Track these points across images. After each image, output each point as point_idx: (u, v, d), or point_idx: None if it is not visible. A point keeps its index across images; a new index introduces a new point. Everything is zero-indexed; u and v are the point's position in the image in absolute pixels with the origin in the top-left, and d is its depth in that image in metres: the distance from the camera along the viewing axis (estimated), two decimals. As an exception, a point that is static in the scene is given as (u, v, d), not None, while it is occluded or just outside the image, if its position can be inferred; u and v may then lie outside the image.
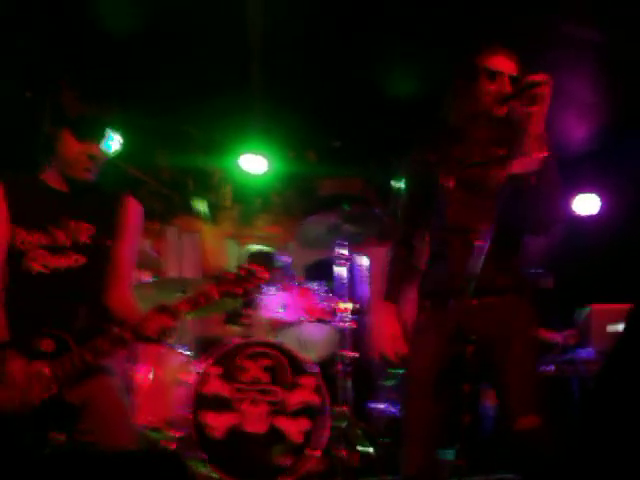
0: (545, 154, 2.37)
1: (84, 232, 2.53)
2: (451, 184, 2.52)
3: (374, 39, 4.57)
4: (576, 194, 6.01)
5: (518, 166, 2.36)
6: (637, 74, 4.70)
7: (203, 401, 3.84)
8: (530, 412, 2.42)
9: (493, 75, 2.50)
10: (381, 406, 4.58)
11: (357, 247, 4.82)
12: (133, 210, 2.66)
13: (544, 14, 4.19)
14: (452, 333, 2.39)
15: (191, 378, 3.94)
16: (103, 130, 2.50)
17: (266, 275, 2.48)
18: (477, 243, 2.39)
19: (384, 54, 4.66)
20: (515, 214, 2.45)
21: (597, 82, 4.84)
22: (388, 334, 2.62)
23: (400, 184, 2.81)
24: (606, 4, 4.07)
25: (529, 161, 2.35)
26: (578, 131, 5.20)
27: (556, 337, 4.57)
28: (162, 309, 2.43)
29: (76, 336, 2.40)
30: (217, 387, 3.88)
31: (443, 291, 2.52)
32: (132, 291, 2.66)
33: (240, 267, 2.50)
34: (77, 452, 2.29)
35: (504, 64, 2.50)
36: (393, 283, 2.70)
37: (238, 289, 2.45)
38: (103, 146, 2.52)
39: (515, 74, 2.50)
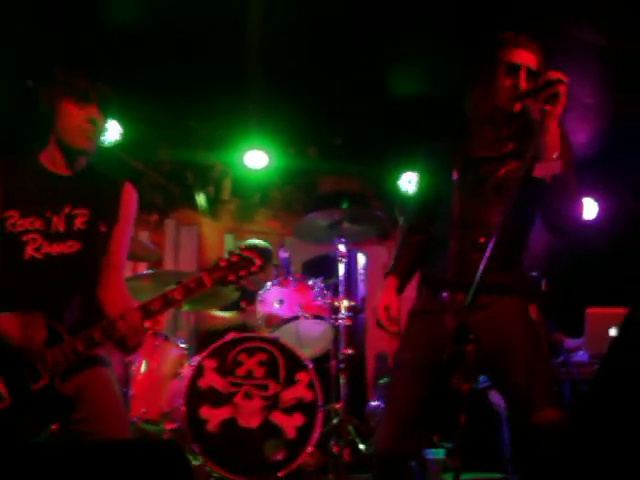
0: (565, 156, 2.30)
1: (80, 217, 2.48)
2: (455, 174, 2.48)
3: (377, 36, 4.57)
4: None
5: (540, 170, 2.28)
6: (636, 79, 4.71)
7: (197, 394, 3.84)
8: (547, 403, 2.35)
9: (512, 69, 2.43)
10: (374, 403, 4.60)
11: (355, 245, 4.84)
12: (130, 197, 2.60)
13: (545, 17, 4.20)
14: (451, 329, 2.31)
15: (186, 371, 3.95)
16: (101, 94, 2.48)
17: (259, 262, 2.43)
18: (481, 239, 2.39)
19: (387, 51, 4.67)
20: (524, 214, 2.41)
21: (596, 86, 4.85)
22: (381, 304, 2.60)
23: (418, 172, 2.78)
24: (608, 8, 4.08)
25: (551, 164, 2.27)
26: (577, 136, 5.21)
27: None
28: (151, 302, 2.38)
29: (68, 325, 2.36)
30: (212, 380, 3.89)
31: (439, 281, 2.50)
32: (124, 280, 2.60)
33: (232, 254, 2.44)
34: (74, 441, 2.28)
35: (524, 57, 2.44)
36: (398, 261, 2.68)
37: (231, 276, 2.40)
38: (103, 111, 2.48)
39: (534, 68, 2.43)
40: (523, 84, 2.41)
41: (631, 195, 5.65)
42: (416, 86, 4.85)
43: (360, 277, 5.47)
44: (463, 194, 2.47)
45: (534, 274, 4.64)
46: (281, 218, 6.01)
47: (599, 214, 5.95)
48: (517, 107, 2.43)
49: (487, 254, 2.12)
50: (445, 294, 2.47)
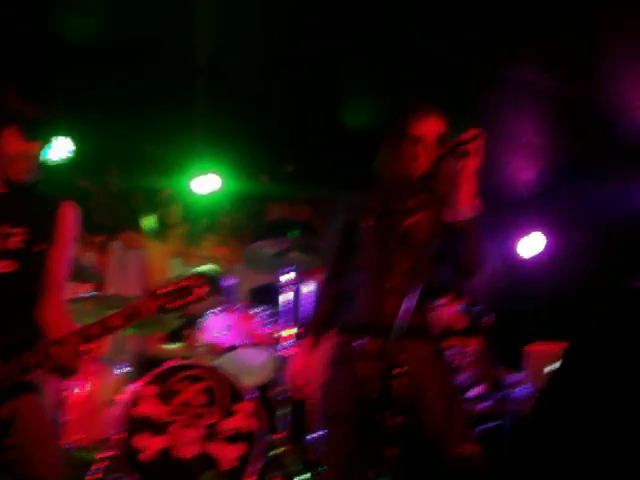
0: (476, 206, 2.51)
1: (16, 236, 2.41)
2: (368, 224, 2.66)
3: (330, 64, 4.62)
4: (523, 234, 6.13)
5: (452, 216, 2.50)
6: (580, 118, 4.86)
7: (136, 422, 3.76)
8: (464, 436, 2.53)
9: (417, 140, 2.62)
10: (317, 433, 4.56)
11: (304, 273, 4.82)
12: (68, 215, 2.53)
13: (494, 59, 4.31)
14: (375, 368, 2.47)
15: (125, 398, 3.86)
16: (49, 132, 2.44)
17: (204, 290, 2.39)
18: (393, 283, 2.59)
19: (339, 80, 4.71)
20: (438, 260, 2.58)
21: (543, 126, 4.98)
22: (299, 367, 2.73)
23: (334, 224, 2.89)
24: (553, 51, 4.21)
25: (462, 211, 2.49)
26: (526, 172, 5.33)
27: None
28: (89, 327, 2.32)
29: (3, 348, 2.28)
30: (151, 408, 3.81)
31: (356, 328, 2.63)
32: (64, 301, 2.53)
33: (177, 280, 2.38)
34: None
35: (429, 128, 2.62)
36: (316, 319, 2.80)
37: (175, 303, 2.35)
38: (44, 147, 2.44)
39: (442, 133, 2.62)
40: (425, 155, 2.60)
41: (579, 230, 5.76)
42: (368, 116, 4.90)
43: (308, 306, 5.44)
44: (375, 243, 2.65)
45: (479, 308, 4.71)
46: (230, 244, 5.96)
47: (547, 248, 6.05)
48: (422, 171, 2.62)
49: (410, 298, 2.28)
50: (362, 340, 2.60)
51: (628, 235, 5.13)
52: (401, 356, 2.41)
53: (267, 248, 4.41)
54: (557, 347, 4.07)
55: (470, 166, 2.45)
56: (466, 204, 2.48)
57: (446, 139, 2.58)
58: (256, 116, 5.12)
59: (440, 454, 2.53)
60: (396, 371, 2.35)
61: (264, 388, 4.49)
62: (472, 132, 2.44)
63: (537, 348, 4.43)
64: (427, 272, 2.46)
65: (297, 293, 4.71)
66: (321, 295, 2.83)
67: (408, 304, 2.31)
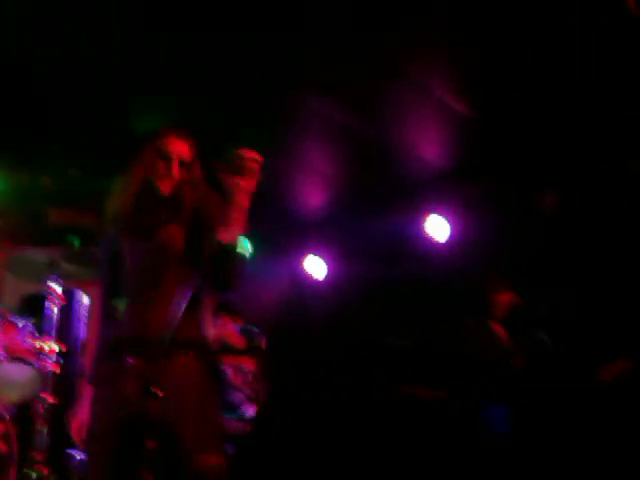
0: (245, 227, 2.52)
1: None
2: (128, 241, 2.65)
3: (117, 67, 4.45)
4: (307, 256, 6.29)
5: (226, 234, 2.48)
6: (367, 152, 5.08)
7: None
8: (211, 451, 2.50)
9: (164, 156, 2.67)
10: (78, 456, 4.34)
11: (78, 285, 4.59)
12: None
13: (291, 92, 4.40)
14: (136, 387, 2.43)
15: None
16: None
17: None
18: (156, 300, 2.56)
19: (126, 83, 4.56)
20: (205, 275, 2.57)
21: (334, 156, 5.16)
22: (79, 418, 2.63)
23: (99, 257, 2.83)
24: (339, 84, 4.37)
25: (229, 230, 2.48)
26: (313, 199, 5.49)
27: None
28: None
29: None
30: None
31: (120, 346, 2.57)
32: None
33: None
34: None
35: (176, 147, 2.68)
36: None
37: None
38: None
39: (186, 159, 2.68)
40: (175, 171, 2.67)
41: (359, 259, 6.00)
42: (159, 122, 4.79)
43: (80, 320, 5.17)
44: (134, 260, 2.64)
45: (256, 330, 4.75)
46: (3, 249, 5.53)
47: (328, 275, 6.25)
48: (167, 189, 2.66)
49: (173, 312, 2.32)
50: (126, 357, 2.53)
51: (404, 267, 5.42)
52: (162, 374, 2.40)
53: (37, 256, 4.14)
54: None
55: (242, 185, 2.44)
56: (235, 224, 2.48)
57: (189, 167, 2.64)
58: (42, 113, 4.81)
59: (184, 464, 2.47)
60: (154, 390, 2.35)
61: (23, 406, 4.20)
62: (252, 153, 2.45)
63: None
64: (191, 286, 2.47)
65: (68, 306, 4.46)
66: (98, 342, 2.70)
67: (172, 318, 2.35)
